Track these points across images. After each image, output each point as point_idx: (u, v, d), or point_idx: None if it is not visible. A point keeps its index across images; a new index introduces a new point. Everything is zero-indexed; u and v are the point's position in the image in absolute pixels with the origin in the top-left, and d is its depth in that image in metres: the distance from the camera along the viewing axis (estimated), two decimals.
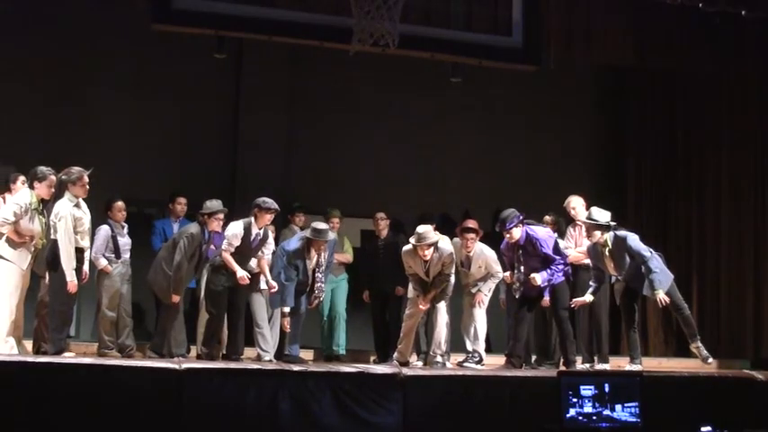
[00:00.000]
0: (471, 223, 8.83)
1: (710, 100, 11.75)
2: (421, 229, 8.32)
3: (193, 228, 8.33)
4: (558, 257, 8.25)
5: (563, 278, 8.32)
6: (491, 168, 11.99)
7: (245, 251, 8.32)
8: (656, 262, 8.11)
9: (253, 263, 8.47)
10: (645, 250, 8.13)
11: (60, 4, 10.50)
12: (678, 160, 12.15)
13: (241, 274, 8.21)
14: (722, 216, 11.61)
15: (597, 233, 8.15)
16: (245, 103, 11.43)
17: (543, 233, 8.35)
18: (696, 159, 11.98)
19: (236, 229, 8.30)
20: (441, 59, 10.76)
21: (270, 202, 8.35)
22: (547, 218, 9.01)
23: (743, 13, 10.27)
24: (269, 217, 8.38)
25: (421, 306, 8.41)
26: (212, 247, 8.77)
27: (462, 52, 10.55)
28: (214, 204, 8.34)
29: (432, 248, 8.27)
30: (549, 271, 8.21)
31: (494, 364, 8.79)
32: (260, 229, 8.37)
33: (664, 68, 11.54)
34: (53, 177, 7.58)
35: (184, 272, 8.18)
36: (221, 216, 8.35)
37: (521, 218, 8.26)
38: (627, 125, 12.66)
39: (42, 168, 7.61)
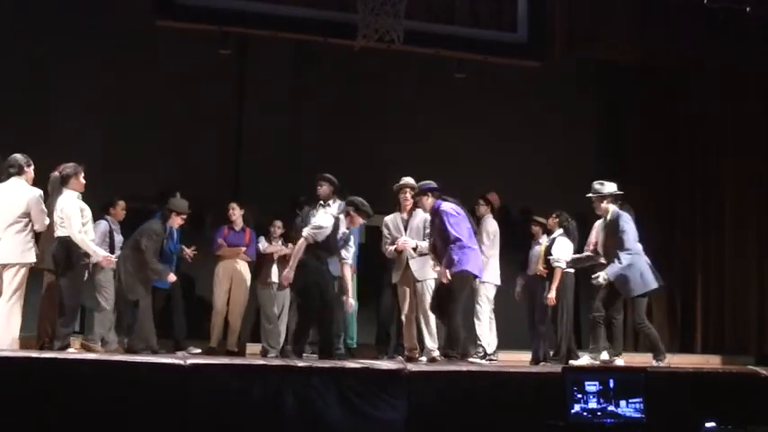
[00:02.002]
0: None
1: (714, 97, 11.73)
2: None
3: (155, 224, 8.45)
4: (457, 238, 7.71)
5: (465, 264, 7.74)
6: (493, 165, 11.96)
7: (331, 246, 7.90)
8: (629, 259, 7.91)
9: (334, 269, 8.03)
10: (630, 241, 7.95)
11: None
12: (682, 158, 12.13)
13: (286, 272, 7.86)
14: (726, 214, 11.61)
15: (601, 205, 8.10)
16: (248, 99, 11.43)
17: (448, 207, 7.85)
18: (700, 157, 11.96)
19: (327, 220, 7.91)
20: (445, 55, 10.76)
21: (368, 206, 7.95)
22: (551, 217, 9.05)
23: (747, 9, 10.24)
24: (360, 221, 8.03)
25: (396, 247, 8.30)
26: (220, 241, 8.89)
27: (467, 48, 10.57)
28: (183, 204, 8.55)
29: (415, 195, 8.22)
30: (449, 252, 7.70)
31: (499, 359, 8.81)
32: (347, 228, 7.99)
33: (668, 66, 11.52)
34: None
35: (157, 265, 8.28)
36: (185, 216, 8.57)
37: (433, 188, 7.97)
38: (631, 123, 12.63)
39: (17, 156, 7.36)
